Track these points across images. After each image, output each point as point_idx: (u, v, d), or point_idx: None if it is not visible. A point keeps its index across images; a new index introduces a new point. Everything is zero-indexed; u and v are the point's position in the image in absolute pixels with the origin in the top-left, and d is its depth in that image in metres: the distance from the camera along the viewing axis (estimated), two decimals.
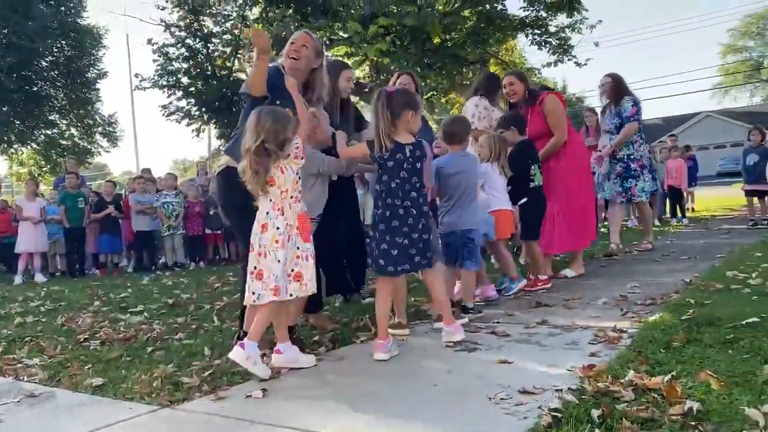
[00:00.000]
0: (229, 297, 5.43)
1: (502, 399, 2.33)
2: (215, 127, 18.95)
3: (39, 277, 8.85)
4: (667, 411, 2.07)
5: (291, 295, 3.00)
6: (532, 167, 4.93)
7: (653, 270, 5.37)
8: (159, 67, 18.40)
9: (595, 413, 2.06)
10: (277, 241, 2.94)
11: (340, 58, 12.61)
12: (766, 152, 8.98)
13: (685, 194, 13.18)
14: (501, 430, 2.05)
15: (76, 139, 27.02)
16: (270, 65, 3.50)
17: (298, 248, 3.02)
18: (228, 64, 18.77)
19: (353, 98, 5.44)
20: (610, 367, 2.55)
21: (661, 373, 2.43)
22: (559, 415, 2.06)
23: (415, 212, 3.20)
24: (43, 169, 26.25)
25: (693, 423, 1.93)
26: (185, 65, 18.39)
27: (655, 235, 7.21)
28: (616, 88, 6.69)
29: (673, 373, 2.42)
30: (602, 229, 8.30)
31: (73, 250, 9.19)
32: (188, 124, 18.23)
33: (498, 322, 3.72)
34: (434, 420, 2.21)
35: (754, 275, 4.34)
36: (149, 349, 3.64)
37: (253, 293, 2.95)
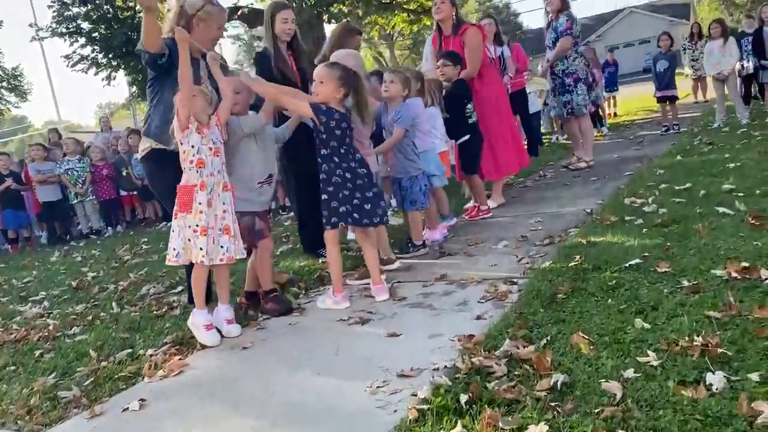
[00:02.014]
0: (135, 273, 5.23)
1: (378, 387, 2.29)
2: (126, 73, 17.88)
3: None
4: (534, 386, 2.07)
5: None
6: (469, 105, 5.02)
7: (561, 197, 5.42)
8: (55, 14, 17.10)
9: (464, 398, 2.04)
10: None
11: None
12: (674, 58, 9.04)
13: (604, 102, 13.33)
14: (369, 431, 2.01)
15: None
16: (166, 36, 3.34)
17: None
18: (131, 4, 17.53)
19: None
20: (488, 335, 2.54)
21: (539, 337, 2.44)
22: (426, 407, 2.03)
23: (365, 171, 3.43)
24: None
25: (553, 404, 1.93)
26: (83, 9, 17.10)
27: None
28: (561, 3, 6.77)
29: (549, 337, 2.43)
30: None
31: None
32: (96, 73, 17.17)
33: (399, 282, 3.68)
34: (308, 423, 2.16)
35: (650, 200, 4.40)
36: (38, 352, 3.47)
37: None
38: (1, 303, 5.06)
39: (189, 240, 3.05)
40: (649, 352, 2.15)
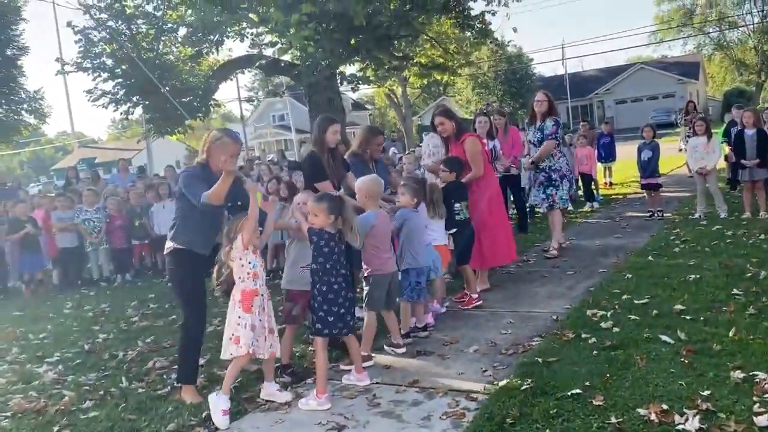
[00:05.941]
0: (143, 340, 5.75)
1: None
2: (143, 112, 18.63)
3: None
4: None
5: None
6: (457, 204, 5.71)
7: (536, 294, 5.94)
8: (82, 49, 17.91)
9: None
10: None
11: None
12: (657, 147, 9.64)
13: (603, 169, 13.84)
14: None
15: (1, 117, 26.12)
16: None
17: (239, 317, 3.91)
18: (154, 45, 18.35)
19: None
20: None
21: None
22: None
23: (345, 285, 4.04)
24: None
25: None
26: (109, 47, 17.92)
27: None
28: (549, 107, 7.49)
29: None
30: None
31: None
32: (116, 110, 17.90)
33: (377, 383, 4.17)
34: None
35: (609, 314, 4.90)
36: (55, 428, 3.97)
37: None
38: (19, 361, 5.56)
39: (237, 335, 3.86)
40: None
